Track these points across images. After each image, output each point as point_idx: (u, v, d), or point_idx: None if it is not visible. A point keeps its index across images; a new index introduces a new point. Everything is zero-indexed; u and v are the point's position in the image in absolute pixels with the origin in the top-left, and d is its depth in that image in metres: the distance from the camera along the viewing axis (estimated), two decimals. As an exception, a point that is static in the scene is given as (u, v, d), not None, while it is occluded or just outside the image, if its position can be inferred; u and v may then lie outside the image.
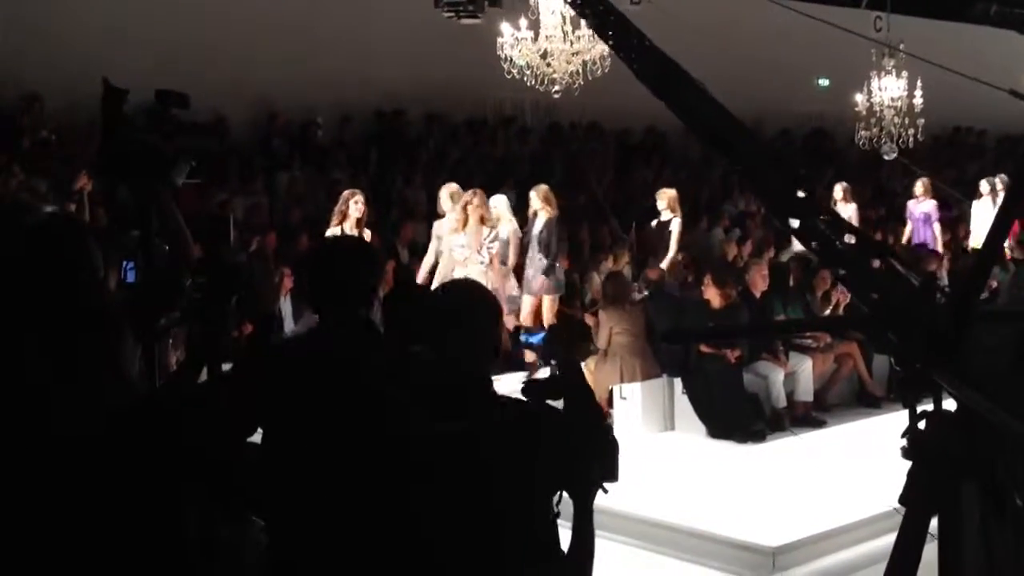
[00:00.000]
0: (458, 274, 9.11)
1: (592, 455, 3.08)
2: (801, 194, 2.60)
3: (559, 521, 2.99)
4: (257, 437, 3.26)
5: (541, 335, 3.19)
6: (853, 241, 2.51)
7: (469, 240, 9.58)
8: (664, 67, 2.80)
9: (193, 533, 3.02)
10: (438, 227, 10.11)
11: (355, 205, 9.68)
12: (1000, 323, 2.64)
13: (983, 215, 14.23)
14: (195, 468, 3.00)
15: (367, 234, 9.74)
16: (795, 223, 2.60)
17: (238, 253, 9.66)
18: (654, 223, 12.15)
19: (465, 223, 9.59)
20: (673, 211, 11.90)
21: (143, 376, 3.31)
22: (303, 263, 3.55)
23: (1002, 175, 14.77)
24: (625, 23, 2.96)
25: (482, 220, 9.63)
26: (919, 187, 14.44)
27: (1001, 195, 14.16)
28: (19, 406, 2.84)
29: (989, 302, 9.40)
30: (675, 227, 11.81)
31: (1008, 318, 2.76)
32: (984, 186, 14.53)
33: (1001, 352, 2.50)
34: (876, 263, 2.49)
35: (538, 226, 10.21)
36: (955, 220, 15.62)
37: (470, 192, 9.85)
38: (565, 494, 3.00)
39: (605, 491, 3.09)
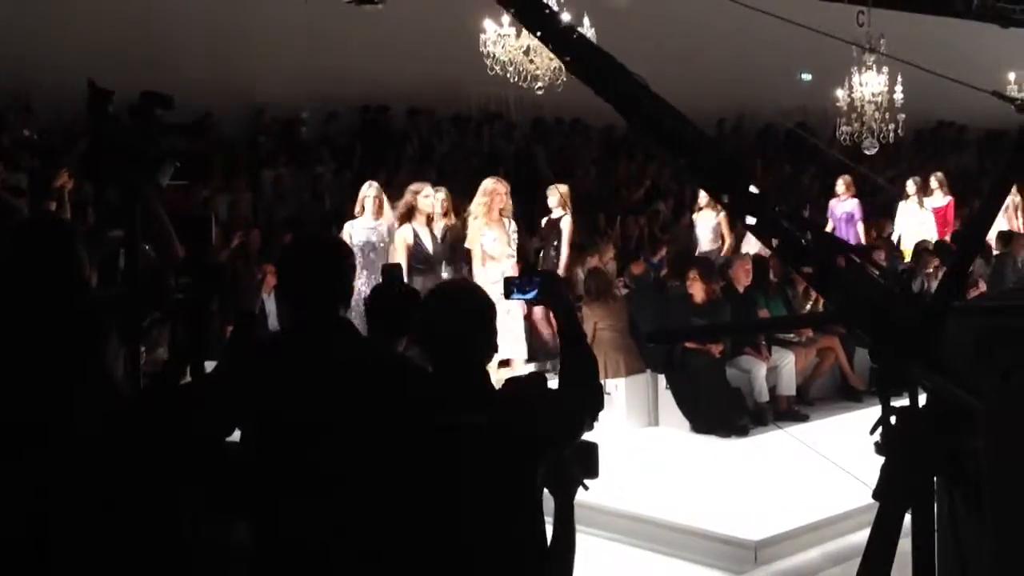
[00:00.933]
0: (491, 268, 8.83)
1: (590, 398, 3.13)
2: (755, 190, 2.59)
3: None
4: (237, 435, 3.28)
5: (533, 292, 3.20)
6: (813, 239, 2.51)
7: (498, 234, 9.12)
8: (599, 61, 2.74)
9: (187, 534, 3.03)
10: (350, 227, 9.42)
11: (424, 200, 9.04)
12: (962, 317, 2.66)
13: (907, 216, 13.99)
14: (183, 468, 3.02)
15: (437, 227, 9.14)
16: (752, 220, 2.60)
17: (218, 252, 9.56)
18: (544, 221, 11.06)
19: (490, 215, 9.10)
20: (564, 208, 10.74)
21: (126, 377, 3.33)
22: (279, 261, 3.55)
23: (938, 173, 14.44)
24: (553, 17, 2.89)
25: (501, 212, 9.19)
26: (840, 185, 13.75)
27: (937, 193, 13.99)
28: (5, 409, 2.85)
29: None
30: (565, 225, 10.64)
31: (971, 313, 2.78)
32: (911, 186, 14.08)
33: (960, 345, 2.51)
34: (840, 261, 2.49)
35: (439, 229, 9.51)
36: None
37: (493, 180, 9.35)
38: (546, 490, 3.04)
39: (586, 488, 3.13)
